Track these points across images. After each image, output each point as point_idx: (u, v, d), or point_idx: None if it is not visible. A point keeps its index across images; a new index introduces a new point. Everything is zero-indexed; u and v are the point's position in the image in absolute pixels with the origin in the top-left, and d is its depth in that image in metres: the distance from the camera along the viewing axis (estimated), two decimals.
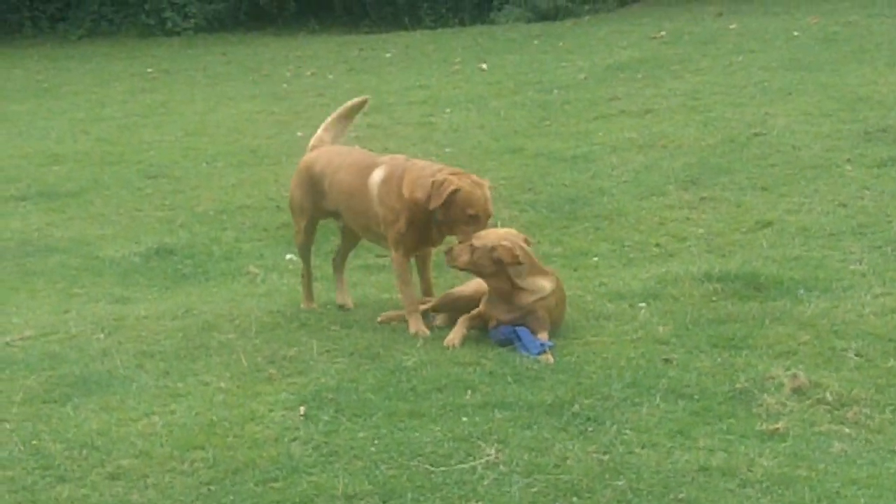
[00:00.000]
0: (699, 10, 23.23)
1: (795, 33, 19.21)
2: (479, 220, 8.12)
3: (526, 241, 8.07)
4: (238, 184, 13.41)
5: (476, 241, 7.89)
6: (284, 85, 20.10)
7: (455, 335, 7.95)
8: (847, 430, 6.55)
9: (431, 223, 8.27)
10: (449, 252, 8.09)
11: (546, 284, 7.93)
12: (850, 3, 21.78)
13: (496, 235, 7.97)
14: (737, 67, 17.06)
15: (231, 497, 6.05)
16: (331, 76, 20.61)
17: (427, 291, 8.74)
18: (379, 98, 17.56)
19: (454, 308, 8.34)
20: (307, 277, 9.22)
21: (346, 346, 8.02)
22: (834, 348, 7.58)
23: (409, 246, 8.42)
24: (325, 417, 6.86)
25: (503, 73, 18.71)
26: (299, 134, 15.83)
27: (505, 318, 7.88)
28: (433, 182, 8.10)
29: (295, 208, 9.12)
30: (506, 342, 7.78)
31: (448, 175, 8.12)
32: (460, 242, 8.05)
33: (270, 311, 8.94)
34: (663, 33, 20.58)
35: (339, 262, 9.31)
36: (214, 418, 6.94)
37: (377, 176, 8.43)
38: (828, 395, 6.92)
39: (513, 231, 8.20)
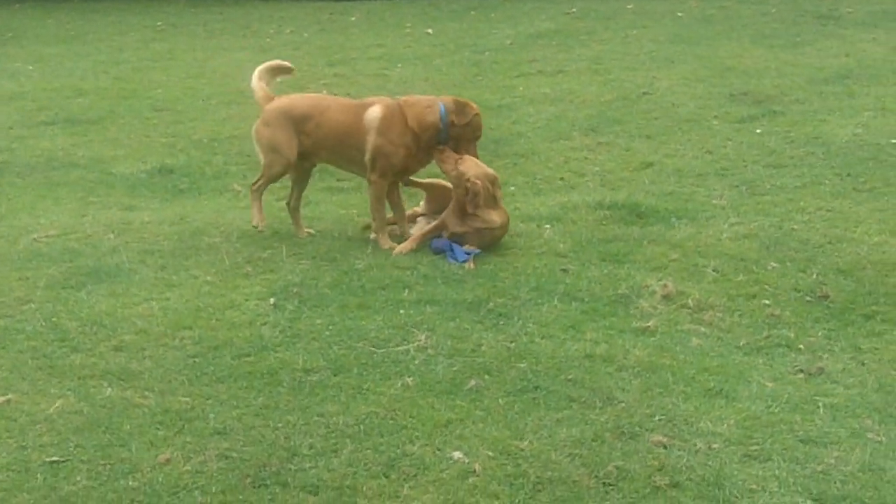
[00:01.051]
0: None
1: (679, 14, 19.17)
2: (478, 139, 8.25)
3: (494, 181, 7.96)
4: (228, 118, 13.25)
5: (461, 165, 7.85)
6: (268, 40, 19.83)
7: (405, 246, 7.92)
8: (703, 330, 6.61)
9: (425, 149, 8.11)
10: (439, 154, 8.01)
11: (496, 219, 7.86)
12: None
13: (477, 169, 7.91)
14: (631, 39, 17.01)
15: (212, 368, 6.04)
16: (306, 34, 20.35)
17: (398, 209, 8.47)
18: (344, 53, 17.47)
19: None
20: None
21: (309, 251, 7.98)
22: (697, 265, 7.61)
23: (397, 172, 8.18)
24: (290, 307, 6.84)
25: (445, 37, 18.56)
26: (278, 79, 15.67)
27: (456, 229, 7.85)
28: (459, 103, 8.17)
29: (277, 149, 8.29)
30: (439, 251, 7.76)
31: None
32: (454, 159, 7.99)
33: (249, 221, 8.86)
34: (574, 10, 20.47)
35: (296, 205, 8.60)
36: (201, 305, 6.91)
37: (374, 113, 8.12)
38: (690, 301, 6.96)
39: (490, 171, 8.02)
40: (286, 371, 5.94)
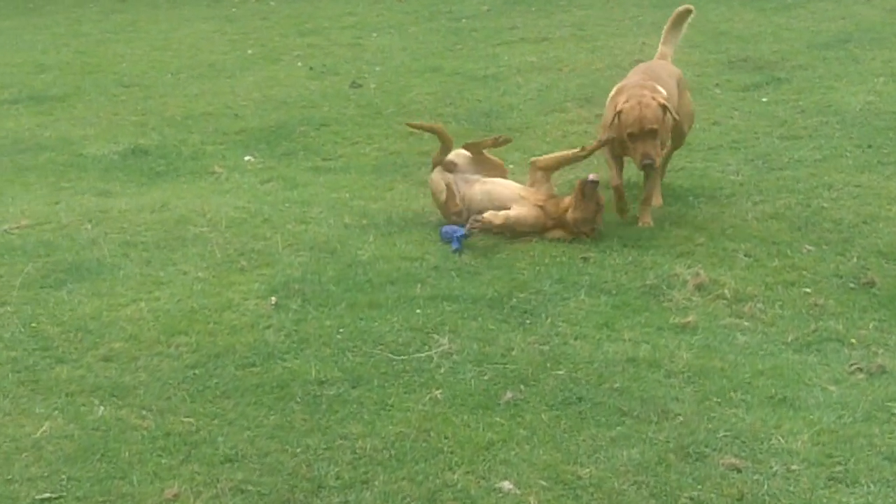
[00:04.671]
0: None
1: None
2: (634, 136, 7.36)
3: None
4: (200, 94, 12.57)
5: None
6: (234, 9, 19.07)
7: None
8: (746, 324, 6.07)
9: None
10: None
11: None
12: None
13: None
14: (614, 4, 16.39)
15: (214, 380, 5.43)
16: (272, 3, 19.59)
17: None
18: (315, 23, 16.78)
19: None
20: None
21: (306, 241, 7.37)
22: (726, 249, 7.07)
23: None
24: (294, 307, 6.24)
25: (419, 4, 17.85)
26: (249, 52, 15.04)
27: None
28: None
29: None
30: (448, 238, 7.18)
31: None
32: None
33: (236, 207, 8.24)
34: None
35: None
36: (195, 306, 6.29)
37: None
38: (726, 291, 6.43)
39: None
40: (298, 383, 5.34)
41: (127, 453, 4.79)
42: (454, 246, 7.01)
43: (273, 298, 6.33)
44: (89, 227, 7.85)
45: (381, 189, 8.85)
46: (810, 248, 7.05)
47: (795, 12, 14.61)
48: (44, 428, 5.02)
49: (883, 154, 8.77)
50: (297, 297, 6.36)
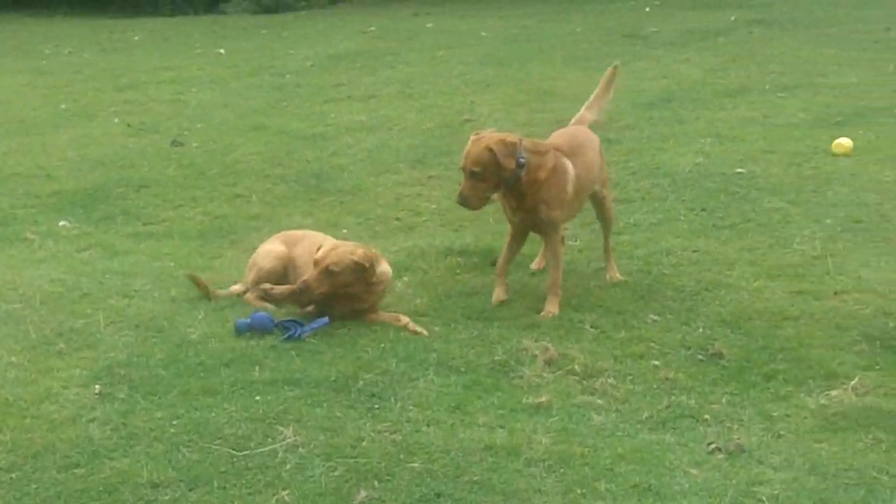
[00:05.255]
0: (397, 10, 22.32)
1: (483, 33, 18.54)
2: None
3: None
4: (8, 152, 11.92)
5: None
6: (44, 62, 18.40)
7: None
8: (599, 402, 5.79)
9: None
10: None
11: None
12: (523, 9, 21.25)
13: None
14: (439, 61, 16.29)
15: (34, 486, 4.88)
16: (86, 55, 18.99)
17: None
18: (132, 77, 16.24)
19: None
20: None
21: (130, 318, 6.87)
22: (572, 320, 6.83)
23: None
24: (121, 395, 5.73)
25: (239, 57, 17.48)
26: (62, 107, 14.40)
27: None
28: None
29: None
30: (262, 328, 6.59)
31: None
32: None
33: (52, 280, 7.68)
34: (373, 28, 19.65)
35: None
36: (10, 397, 5.73)
37: None
38: (576, 366, 6.16)
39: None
40: (128, 487, 4.83)
41: None
42: (295, 334, 6.51)
43: (97, 386, 5.81)
44: None
45: (208, 257, 8.40)
46: (655, 317, 6.86)
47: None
48: None
49: (717, 218, 8.70)
50: (124, 384, 5.86)
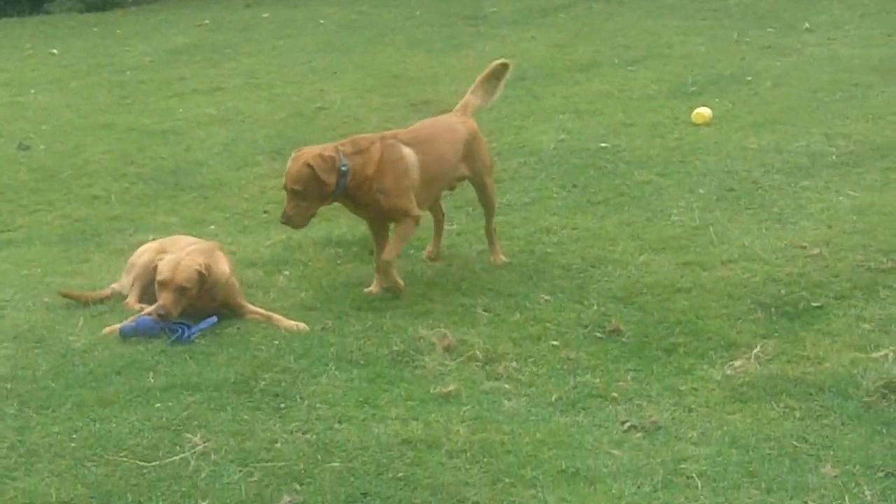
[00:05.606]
0: (228, 2, 21.80)
1: (321, 21, 18.25)
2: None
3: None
4: None
5: None
6: None
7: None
8: (507, 387, 5.69)
9: None
10: None
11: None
12: None
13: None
14: (281, 51, 15.97)
15: None
16: None
17: None
18: None
19: None
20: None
21: (6, 330, 6.53)
22: (464, 305, 6.72)
23: None
24: (11, 411, 5.42)
25: (73, 56, 16.84)
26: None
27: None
28: None
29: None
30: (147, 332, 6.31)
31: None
32: None
33: None
34: (207, 21, 19.16)
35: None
36: None
37: None
38: (477, 352, 6.04)
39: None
40: None
41: None
42: (183, 336, 6.23)
43: None
44: None
45: (76, 262, 8.05)
46: (547, 297, 6.79)
47: (464, 52, 14.60)
48: None
49: (590, 193, 8.69)
50: (13, 399, 5.54)
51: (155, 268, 6.47)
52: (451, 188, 7.57)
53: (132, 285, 6.93)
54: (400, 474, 4.73)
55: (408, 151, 6.90)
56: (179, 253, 6.55)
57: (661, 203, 8.29)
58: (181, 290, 6.33)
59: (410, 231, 6.97)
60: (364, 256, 7.68)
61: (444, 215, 7.63)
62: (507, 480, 4.69)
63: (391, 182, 6.80)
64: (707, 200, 8.24)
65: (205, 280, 6.36)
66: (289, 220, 6.75)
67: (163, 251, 6.91)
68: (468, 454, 4.91)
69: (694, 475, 4.74)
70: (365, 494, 4.59)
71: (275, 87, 13.46)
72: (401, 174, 6.85)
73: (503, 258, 7.39)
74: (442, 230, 7.59)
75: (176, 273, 6.35)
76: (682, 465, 4.83)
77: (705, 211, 8.01)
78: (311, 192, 6.65)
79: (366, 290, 6.95)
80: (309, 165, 6.56)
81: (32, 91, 14.39)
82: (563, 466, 4.81)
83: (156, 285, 6.40)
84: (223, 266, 6.58)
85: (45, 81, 15.00)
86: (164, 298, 6.30)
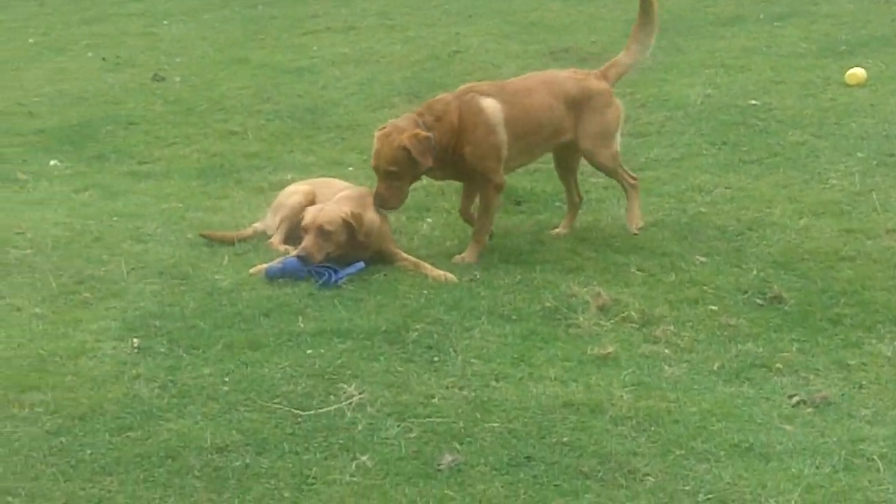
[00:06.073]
0: None
1: None
2: None
3: None
4: None
5: None
6: None
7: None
8: (667, 352, 5.45)
9: None
10: None
11: None
12: None
13: None
14: None
15: (88, 451, 4.45)
16: None
17: None
18: (99, 9, 15.57)
19: None
20: None
21: (151, 265, 6.41)
22: (617, 263, 6.48)
23: None
24: (161, 350, 5.29)
25: None
26: (31, 41, 13.73)
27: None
28: None
29: None
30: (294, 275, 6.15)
31: None
32: None
33: (57, 223, 7.21)
34: None
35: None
36: (42, 352, 5.27)
37: None
38: (632, 313, 5.81)
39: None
40: (192, 451, 4.40)
41: None
42: (330, 281, 6.07)
43: (134, 340, 5.36)
44: None
45: (215, 198, 7.92)
46: (703, 259, 6.52)
47: (602, 1, 14.18)
48: None
49: (742, 152, 8.34)
50: (162, 337, 5.41)
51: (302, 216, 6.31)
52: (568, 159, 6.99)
53: (278, 226, 6.78)
54: (564, 439, 4.51)
55: (489, 103, 6.46)
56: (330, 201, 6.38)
57: (817, 165, 7.92)
58: (325, 235, 6.16)
59: (493, 202, 6.59)
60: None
61: (581, 198, 7.10)
62: (677, 452, 4.45)
63: (473, 140, 6.41)
64: (867, 165, 7.85)
65: (352, 228, 6.18)
66: (384, 203, 6.41)
67: (312, 194, 6.75)
68: (634, 422, 4.68)
69: (875, 457, 4.47)
70: (529, 458, 4.38)
71: (409, 29, 13.20)
72: (484, 130, 6.43)
73: (638, 222, 6.79)
74: (576, 212, 7.04)
75: (318, 217, 6.18)
76: (861, 446, 4.56)
77: (866, 176, 7.63)
78: (405, 173, 6.37)
79: (457, 258, 6.51)
80: (405, 147, 6.25)
81: (166, 22, 14.33)
82: (736, 440, 4.57)
83: (301, 230, 6.24)
84: (374, 214, 6.38)
85: (178, 13, 14.93)
86: (307, 241, 6.13)
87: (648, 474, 4.27)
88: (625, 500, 4.09)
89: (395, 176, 6.32)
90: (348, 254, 6.19)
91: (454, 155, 6.41)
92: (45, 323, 5.59)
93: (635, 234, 6.72)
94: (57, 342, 5.36)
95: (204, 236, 6.84)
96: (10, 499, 4.11)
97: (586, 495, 4.12)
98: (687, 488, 4.19)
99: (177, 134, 9.60)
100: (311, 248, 6.12)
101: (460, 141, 6.39)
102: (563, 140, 6.73)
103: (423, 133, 6.28)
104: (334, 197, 6.62)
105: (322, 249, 6.14)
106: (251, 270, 6.22)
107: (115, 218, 7.34)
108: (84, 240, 6.85)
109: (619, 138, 6.85)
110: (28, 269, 6.34)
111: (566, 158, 6.94)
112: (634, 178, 6.90)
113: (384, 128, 6.41)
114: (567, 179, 7.00)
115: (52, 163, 8.89)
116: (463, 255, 6.50)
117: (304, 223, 6.22)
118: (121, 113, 10.19)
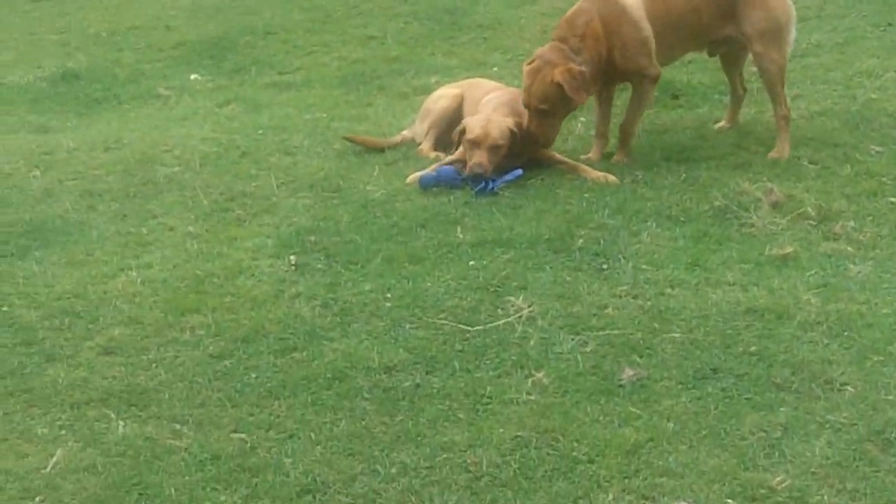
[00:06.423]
0: None
1: None
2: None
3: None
4: (122, 4, 11.26)
5: None
6: None
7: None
8: (850, 250, 5.10)
9: None
10: None
11: None
12: None
13: None
14: None
15: (253, 375, 4.29)
16: None
17: None
18: None
19: None
20: None
21: (301, 178, 6.25)
22: (788, 157, 6.07)
23: None
24: (319, 266, 5.12)
25: None
26: None
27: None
28: None
29: None
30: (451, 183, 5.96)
31: None
32: None
33: (203, 139, 7.09)
34: None
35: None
36: (199, 272, 5.13)
37: None
38: (809, 209, 5.45)
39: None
40: (360, 372, 4.22)
41: (172, 489, 3.66)
42: (487, 188, 5.81)
43: (292, 257, 5.20)
44: (38, 173, 6.65)
45: (359, 106, 7.73)
46: (878, 149, 6.12)
47: None
48: (55, 458, 3.86)
49: None
50: (319, 252, 5.24)
51: (463, 128, 6.03)
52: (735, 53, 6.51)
53: (427, 132, 6.55)
54: (752, 348, 4.22)
55: (629, 1, 6.07)
56: (486, 110, 6.10)
57: None
58: (495, 149, 5.91)
59: (649, 93, 6.23)
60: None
61: (745, 90, 6.66)
62: (875, 359, 4.14)
63: (620, 42, 6.01)
64: None
65: (516, 138, 5.91)
66: (537, 141, 6.08)
67: (461, 97, 6.49)
68: (824, 327, 4.36)
69: None
70: (715, 370, 4.10)
71: None
72: (629, 30, 6.02)
73: (784, 153, 6.18)
74: (739, 105, 6.64)
75: (489, 131, 5.91)
76: None
77: None
78: (557, 110, 6.01)
79: (616, 157, 6.22)
80: (558, 84, 5.88)
81: None
82: None
83: (465, 144, 5.97)
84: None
85: None
86: (479, 156, 5.88)
87: (846, 384, 3.97)
88: (824, 413, 3.79)
89: (548, 113, 6.00)
90: (506, 161, 5.93)
91: (607, 64, 6.04)
92: (199, 242, 5.46)
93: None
94: (213, 262, 5.22)
95: (348, 139, 6.65)
96: (178, 426, 3.98)
97: (781, 409, 3.83)
98: (890, 398, 3.88)
99: (315, 42, 9.41)
100: (486, 163, 5.86)
101: (609, 46, 6.02)
102: (720, 35, 6.28)
103: (577, 68, 5.91)
104: (484, 99, 6.36)
105: (493, 164, 5.89)
106: (408, 180, 6.00)
107: (260, 131, 7.18)
108: (232, 155, 6.71)
109: (791, 39, 6.23)
110: (178, 187, 6.23)
111: (731, 52, 6.51)
112: (789, 109, 6.34)
113: (532, 61, 6.05)
114: (731, 72, 6.59)
115: (192, 77, 8.79)
116: (616, 156, 6.18)
117: (470, 137, 5.95)
118: (258, 24, 10.02)
